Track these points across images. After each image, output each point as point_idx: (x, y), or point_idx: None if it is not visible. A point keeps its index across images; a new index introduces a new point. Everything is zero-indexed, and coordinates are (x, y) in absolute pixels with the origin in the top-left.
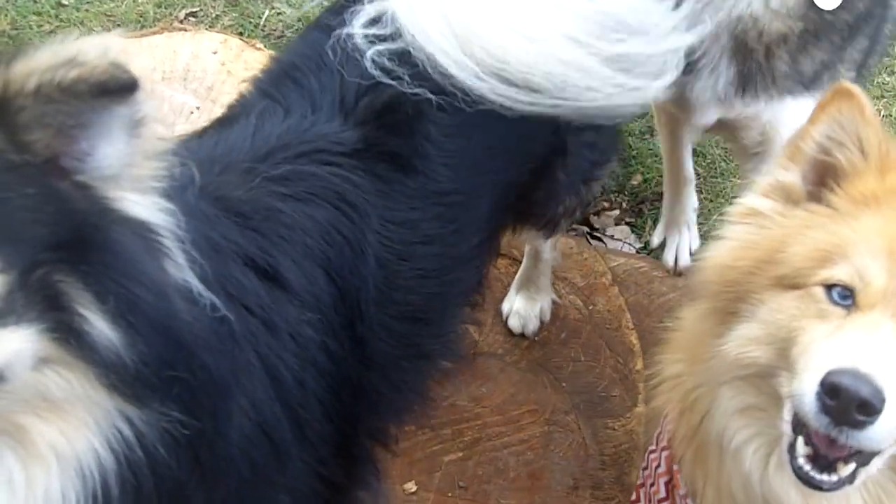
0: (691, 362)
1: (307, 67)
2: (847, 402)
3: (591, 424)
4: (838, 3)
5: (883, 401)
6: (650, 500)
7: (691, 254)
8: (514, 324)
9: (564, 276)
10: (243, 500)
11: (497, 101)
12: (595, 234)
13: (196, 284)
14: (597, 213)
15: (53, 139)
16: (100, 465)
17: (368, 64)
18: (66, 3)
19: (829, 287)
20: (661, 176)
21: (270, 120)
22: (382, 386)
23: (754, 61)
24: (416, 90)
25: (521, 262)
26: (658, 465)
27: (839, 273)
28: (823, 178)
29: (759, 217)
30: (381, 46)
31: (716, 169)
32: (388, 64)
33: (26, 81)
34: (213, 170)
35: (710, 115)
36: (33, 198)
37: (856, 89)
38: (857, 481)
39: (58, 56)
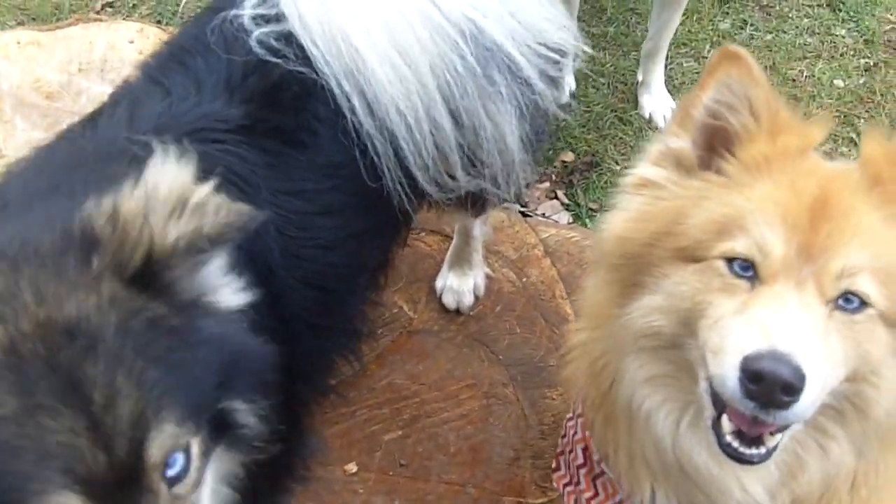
0: (596, 330)
1: (195, 49)
2: (771, 386)
3: (530, 395)
4: None
5: (803, 378)
6: (569, 467)
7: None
8: (449, 300)
9: (497, 249)
10: None
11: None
12: (525, 210)
13: None
14: (527, 185)
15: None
16: None
17: (254, 44)
18: None
19: (729, 260)
20: (589, 147)
21: (148, 103)
22: (299, 346)
23: None
24: (303, 69)
25: (452, 239)
26: (575, 433)
27: (738, 246)
28: (716, 145)
29: (653, 187)
30: (266, 28)
31: None
32: (274, 44)
33: (166, 237)
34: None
35: None
36: (198, 349)
37: (743, 51)
38: (780, 447)
39: (206, 208)
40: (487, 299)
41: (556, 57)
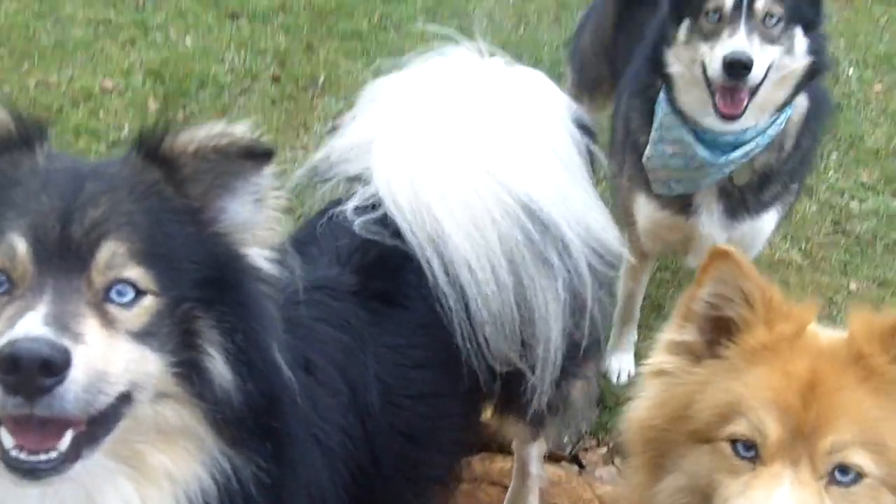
0: None
1: (308, 240)
2: None
3: None
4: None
5: None
6: None
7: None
8: None
9: (553, 502)
10: None
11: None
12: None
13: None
14: (585, 450)
15: (204, 193)
16: (203, 491)
17: (356, 229)
18: None
19: (733, 441)
20: None
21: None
22: (388, 493)
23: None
24: (396, 242)
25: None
26: None
27: (740, 428)
28: (719, 333)
29: (667, 375)
30: (365, 217)
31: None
32: (372, 227)
33: (188, 146)
34: None
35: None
36: (189, 237)
37: (730, 248)
38: None
39: (212, 130)
40: None
41: (603, 252)
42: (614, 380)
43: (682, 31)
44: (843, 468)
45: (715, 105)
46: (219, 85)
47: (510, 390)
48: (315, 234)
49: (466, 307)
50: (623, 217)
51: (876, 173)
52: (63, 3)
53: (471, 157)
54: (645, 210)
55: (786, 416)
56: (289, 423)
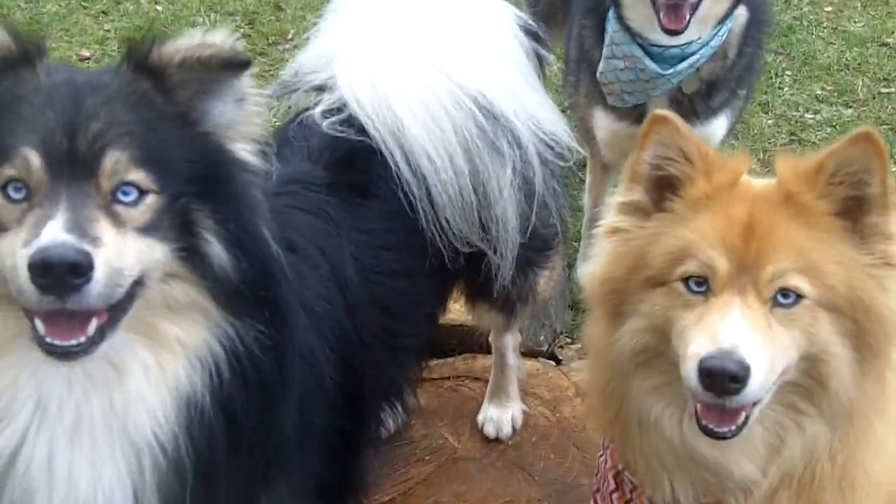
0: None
1: (282, 143)
2: (721, 379)
3: None
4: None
5: (748, 368)
6: (605, 499)
7: None
8: (490, 429)
9: (533, 391)
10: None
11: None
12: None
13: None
14: (561, 347)
15: (190, 99)
16: (212, 354)
17: (325, 129)
18: None
19: (685, 280)
20: None
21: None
22: (365, 362)
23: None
24: (362, 139)
25: None
26: (606, 462)
27: (691, 267)
28: (664, 190)
29: (620, 233)
30: (332, 118)
31: None
32: (339, 127)
33: (174, 56)
34: None
35: None
36: (181, 139)
37: (668, 114)
38: (751, 421)
39: (194, 40)
40: (524, 431)
41: (553, 144)
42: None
43: None
44: (784, 292)
45: (660, 21)
46: None
47: (476, 274)
48: (287, 136)
49: (428, 193)
50: (583, 132)
51: (829, 86)
52: None
53: (425, 58)
54: (603, 122)
55: (730, 252)
56: (281, 292)
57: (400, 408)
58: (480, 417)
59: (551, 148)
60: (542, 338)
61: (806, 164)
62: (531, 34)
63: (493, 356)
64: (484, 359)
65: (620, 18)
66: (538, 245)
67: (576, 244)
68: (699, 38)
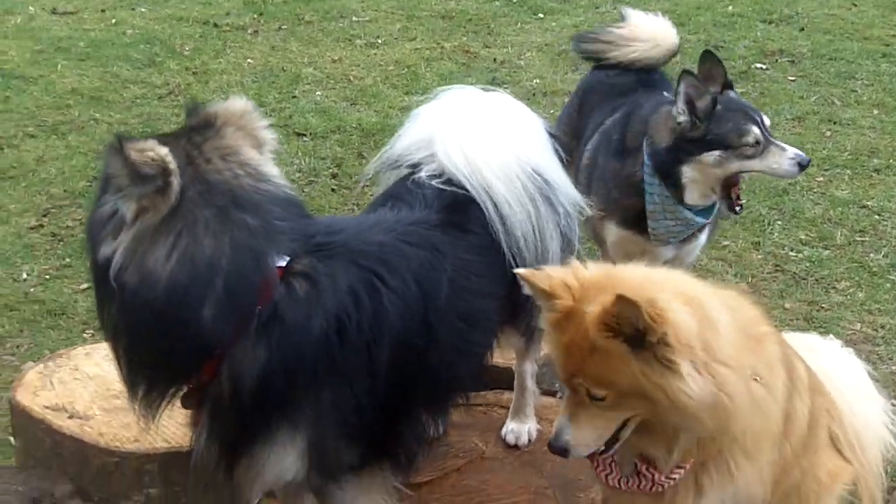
0: None
1: (403, 193)
2: (556, 453)
3: (565, 494)
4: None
5: (566, 445)
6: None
7: None
8: (510, 439)
9: (547, 417)
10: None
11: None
12: None
13: None
14: None
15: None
16: None
17: (433, 185)
18: None
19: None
20: None
21: (390, 213)
22: (438, 359)
23: None
24: (463, 191)
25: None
26: None
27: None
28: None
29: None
30: (436, 180)
31: None
32: (443, 185)
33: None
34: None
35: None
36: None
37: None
38: (609, 453)
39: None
40: (538, 443)
41: (576, 203)
42: None
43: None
44: (591, 395)
45: (729, 206)
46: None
47: (517, 297)
48: (404, 190)
49: (507, 231)
50: (595, 238)
51: (812, 234)
52: None
53: (499, 140)
54: (613, 233)
55: (562, 369)
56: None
57: (442, 419)
58: (504, 430)
59: (574, 205)
60: (556, 385)
61: (599, 317)
62: (554, 136)
63: (515, 381)
64: (510, 394)
65: (670, 193)
66: None
67: None
68: None
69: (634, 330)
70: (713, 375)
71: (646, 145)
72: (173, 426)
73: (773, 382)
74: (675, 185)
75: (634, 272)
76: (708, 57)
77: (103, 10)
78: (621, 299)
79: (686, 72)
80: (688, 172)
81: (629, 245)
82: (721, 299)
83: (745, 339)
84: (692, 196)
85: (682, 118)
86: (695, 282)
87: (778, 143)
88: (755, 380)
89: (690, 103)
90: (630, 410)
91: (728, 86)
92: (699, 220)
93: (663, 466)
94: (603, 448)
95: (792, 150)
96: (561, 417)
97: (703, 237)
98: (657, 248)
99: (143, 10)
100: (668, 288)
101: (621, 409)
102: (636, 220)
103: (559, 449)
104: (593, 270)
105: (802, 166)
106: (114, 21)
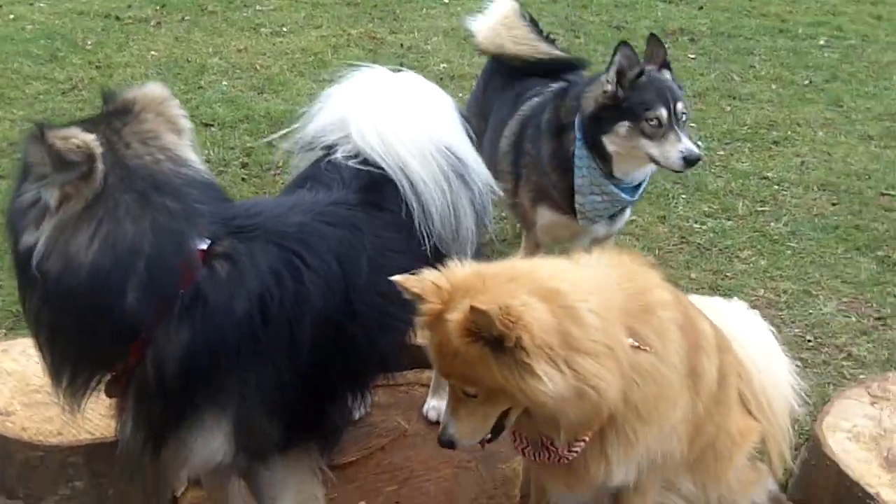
0: None
1: (320, 175)
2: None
3: (487, 466)
4: None
5: (451, 437)
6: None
7: None
8: (432, 415)
9: None
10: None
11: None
12: None
13: None
14: None
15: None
16: None
17: (350, 165)
18: None
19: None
20: None
21: (307, 195)
22: (361, 336)
23: None
24: (379, 171)
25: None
26: None
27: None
28: None
29: None
30: (352, 161)
31: None
32: (360, 165)
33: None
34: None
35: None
36: None
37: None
38: (497, 440)
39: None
40: None
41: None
42: None
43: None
44: (465, 392)
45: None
46: None
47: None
48: (321, 172)
49: (423, 208)
50: (523, 221)
51: (715, 206)
52: None
53: (413, 120)
54: (546, 215)
55: (437, 368)
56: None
57: (364, 399)
58: (425, 407)
59: (487, 184)
60: None
61: (460, 324)
62: (465, 118)
63: None
64: (430, 372)
65: (598, 166)
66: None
67: None
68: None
69: (493, 335)
70: (574, 369)
71: (577, 119)
72: (96, 418)
73: (666, 347)
74: (602, 158)
75: (500, 270)
76: (651, 39)
77: (0, 6)
78: (474, 310)
79: (623, 43)
80: (608, 144)
81: (558, 229)
82: (598, 280)
83: (626, 313)
84: (620, 169)
85: (609, 87)
86: (565, 268)
87: (680, 133)
88: (643, 349)
89: (622, 73)
90: (504, 405)
91: (665, 66)
92: (625, 196)
93: (559, 443)
94: (490, 436)
95: (685, 143)
96: (445, 412)
97: (627, 213)
98: (586, 228)
99: (42, 5)
100: (530, 284)
101: (495, 405)
102: (570, 203)
103: (446, 442)
104: (464, 271)
105: (689, 162)
106: (12, 17)
